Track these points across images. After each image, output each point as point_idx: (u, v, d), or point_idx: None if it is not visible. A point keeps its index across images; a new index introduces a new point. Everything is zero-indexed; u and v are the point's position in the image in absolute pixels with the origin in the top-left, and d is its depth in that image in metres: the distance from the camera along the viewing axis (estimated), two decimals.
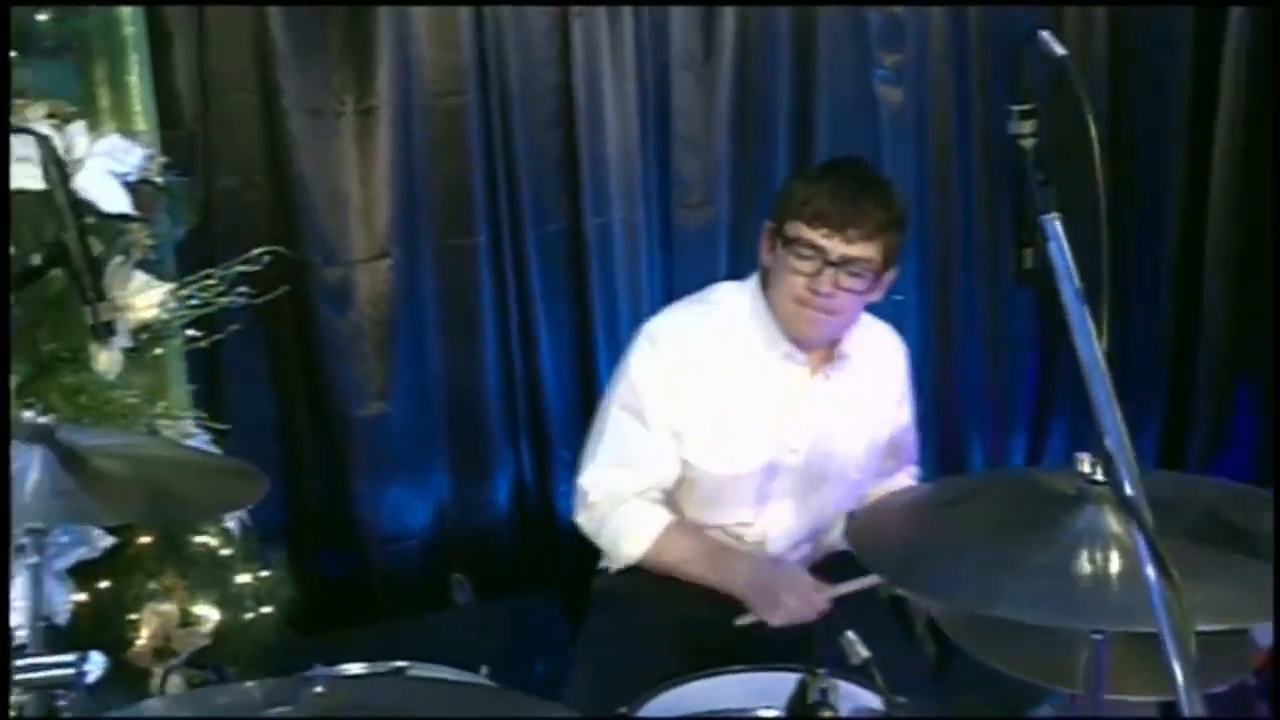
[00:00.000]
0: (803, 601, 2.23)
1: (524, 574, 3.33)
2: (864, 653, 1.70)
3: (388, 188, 3.09)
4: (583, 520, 2.42)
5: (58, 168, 1.65)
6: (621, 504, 2.37)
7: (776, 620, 2.23)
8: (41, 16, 2.34)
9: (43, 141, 1.69)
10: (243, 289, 2.44)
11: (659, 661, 2.15)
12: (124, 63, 2.66)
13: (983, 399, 3.72)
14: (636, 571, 2.43)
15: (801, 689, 1.69)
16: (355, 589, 3.22)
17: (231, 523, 2.51)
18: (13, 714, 2.12)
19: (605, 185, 3.25)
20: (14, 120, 2.17)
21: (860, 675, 1.75)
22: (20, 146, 2.11)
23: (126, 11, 2.65)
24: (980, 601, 1.50)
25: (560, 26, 3.16)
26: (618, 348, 2.46)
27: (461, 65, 3.11)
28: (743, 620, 2.26)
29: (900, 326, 2.62)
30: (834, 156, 2.65)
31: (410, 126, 3.09)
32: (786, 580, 2.30)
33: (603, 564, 2.52)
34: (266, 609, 2.50)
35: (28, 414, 1.70)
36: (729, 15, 3.26)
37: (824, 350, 2.39)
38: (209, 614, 2.41)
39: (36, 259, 1.59)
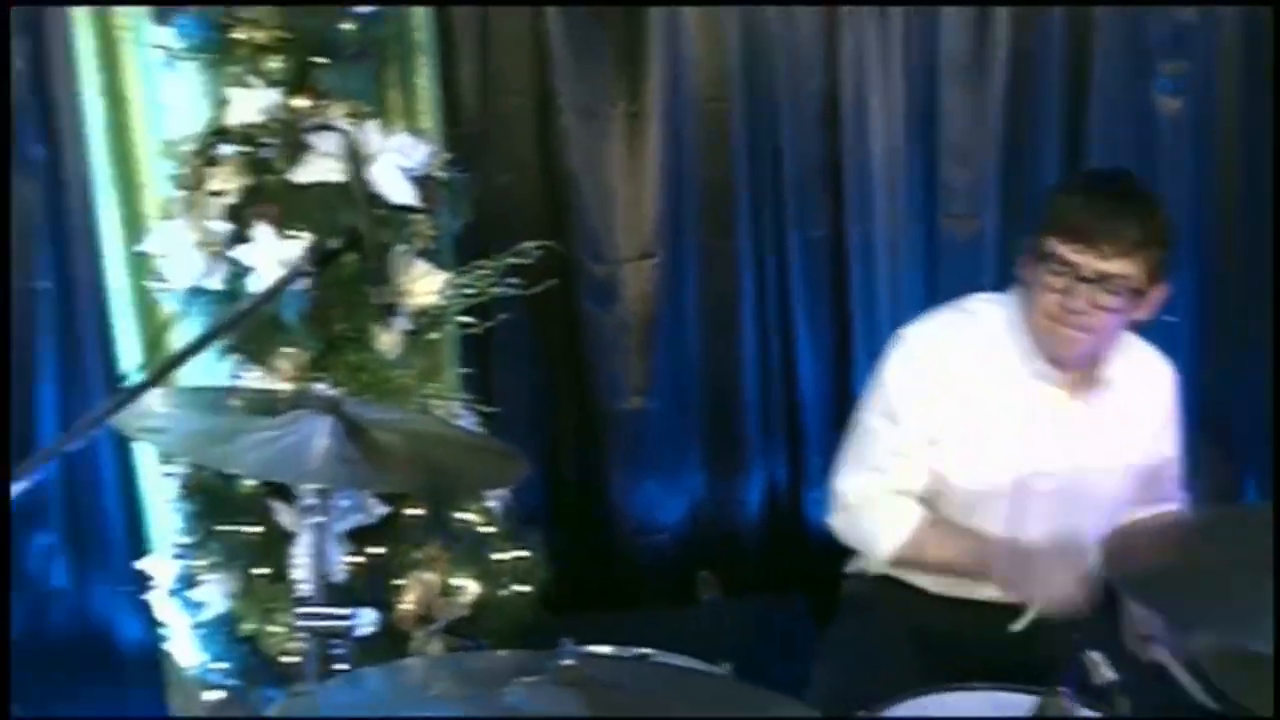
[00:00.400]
0: (1070, 578, 2.14)
1: (771, 575, 3.35)
2: (1110, 675, 1.64)
3: (655, 189, 3.19)
4: (836, 522, 2.42)
5: (355, 161, 1.79)
6: (874, 503, 2.37)
7: (1043, 602, 2.16)
8: (347, 26, 2.53)
9: (345, 136, 1.83)
10: (513, 280, 2.56)
11: (900, 670, 2.14)
12: (413, 66, 2.86)
13: (1261, 432, 3.50)
14: (884, 578, 2.42)
15: (1040, 711, 1.65)
16: (604, 576, 3.32)
17: (494, 502, 2.64)
18: (294, 659, 2.31)
19: (869, 192, 3.24)
20: (319, 119, 2.36)
21: (1105, 701, 1.69)
22: (322, 143, 2.30)
23: (418, 18, 2.84)
24: (1241, 633, 1.44)
25: (827, 31, 3.18)
26: (876, 356, 2.44)
27: (729, 70, 3.17)
28: (1018, 625, 2.21)
29: (1171, 350, 2.49)
30: (1097, 168, 2.55)
31: (678, 129, 3.18)
32: (1051, 557, 2.20)
33: (851, 567, 2.52)
34: (522, 587, 2.60)
35: (319, 386, 1.85)
36: (1002, 21, 3.19)
37: (1084, 373, 2.30)
38: (468, 586, 2.54)
39: (333, 243, 1.73)
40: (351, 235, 1.70)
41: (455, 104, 3.04)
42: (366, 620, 2.28)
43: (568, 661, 1.55)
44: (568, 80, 3.13)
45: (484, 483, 2.25)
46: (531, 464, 1.98)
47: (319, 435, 1.81)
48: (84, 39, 2.76)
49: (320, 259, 1.72)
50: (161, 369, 1.68)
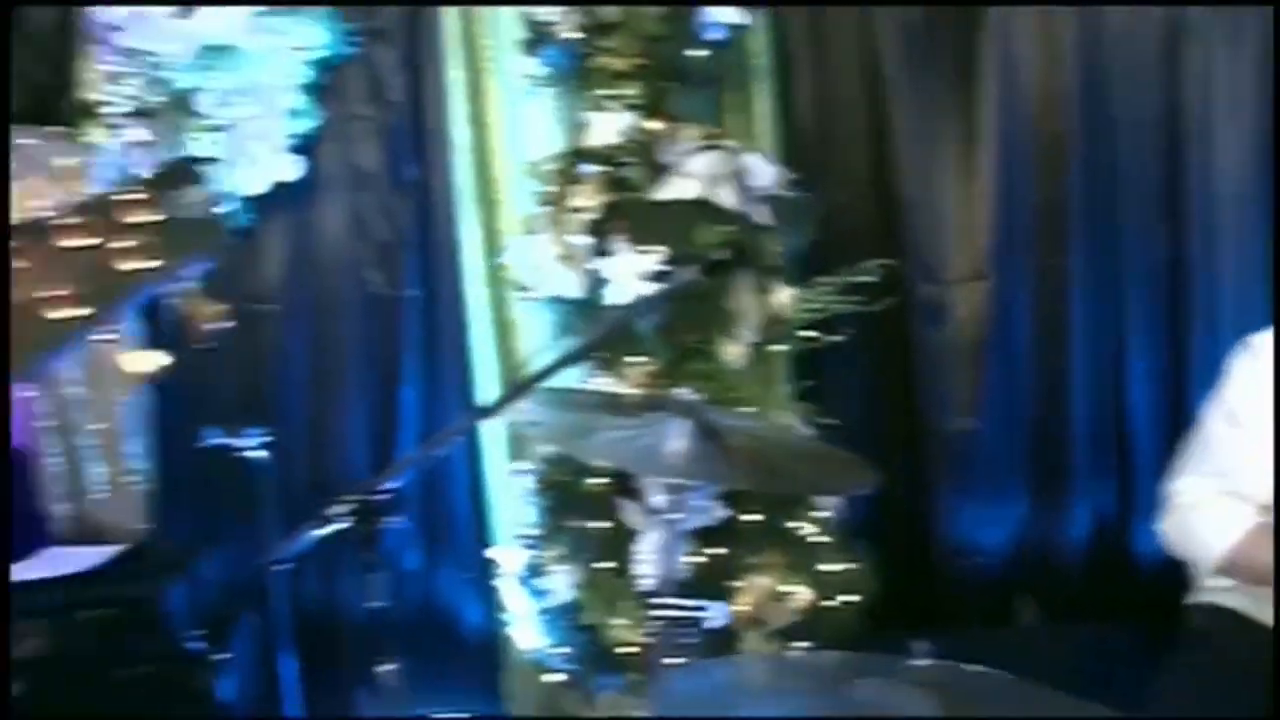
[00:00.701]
0: None
1: (1093, 605, 3.26)
2: None
3: (988, 211, 3.17)
4: (1166, 526, 2.36)
5: (737, 178, 1.90)
6: (1207, 504, 2.30)
7: None
8: (699, 53, 2.66)
9: (727, 155, 1.95)
10: (854, 298, 2.63)
11: (1245, 707, 2.07)
12: (751, 90, 2.98)
13: None
14: (1229, 612, 2.34)
15: None
16: (924, 593, 3.31)
17: (828, 513, 2.70)
18: (632, 649, 2.44)
19: (1213, 214, 3.13)
20: (682, 145, 2.49)
21: None
22: (689, 163, 2.43)
23: (758, 44, 2.97)
24: None
25: (1172, 49, 3.09)
26: (1216, 386, 2.38)
27: (1067, 90, 3.13)
28: None
29: None
30: None
31: (1012, 151, 3.16)
32: None
33: (1191, 599, 2.45)
34: (851, 597, 2.65)
35: (678, 392, 1.96)
36: None
37: None
38: (800, 592, 2.61)
39: (716, 255, 1.84)
40: (738, 249, 1.80)
41: (792, 126, 3.13)
42: (718, 613, 2.38)
43: (918, 663, 1.58)
44: (901, 105, 3.17)
45: (829, 488, 2.31)
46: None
47: (675, 435, 1.93)
48: (454, 71, 3.02)
49: (709, 271, 1.83)
50: (533, 379, 1.81)
